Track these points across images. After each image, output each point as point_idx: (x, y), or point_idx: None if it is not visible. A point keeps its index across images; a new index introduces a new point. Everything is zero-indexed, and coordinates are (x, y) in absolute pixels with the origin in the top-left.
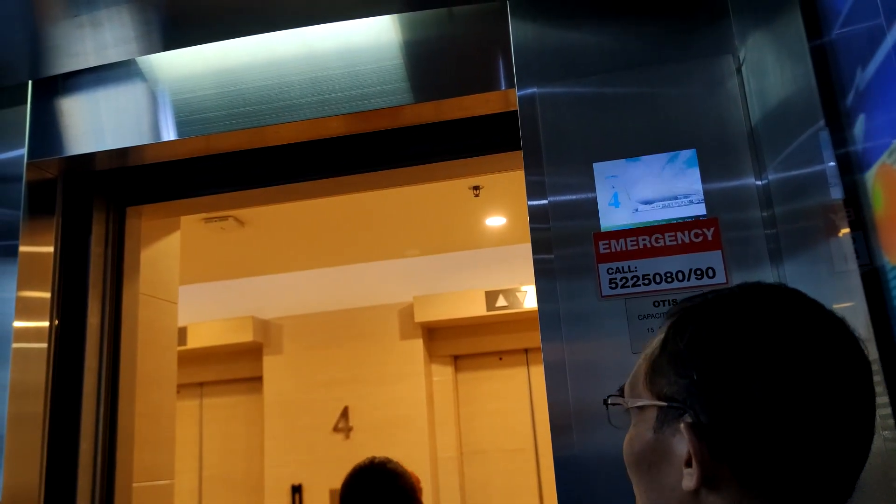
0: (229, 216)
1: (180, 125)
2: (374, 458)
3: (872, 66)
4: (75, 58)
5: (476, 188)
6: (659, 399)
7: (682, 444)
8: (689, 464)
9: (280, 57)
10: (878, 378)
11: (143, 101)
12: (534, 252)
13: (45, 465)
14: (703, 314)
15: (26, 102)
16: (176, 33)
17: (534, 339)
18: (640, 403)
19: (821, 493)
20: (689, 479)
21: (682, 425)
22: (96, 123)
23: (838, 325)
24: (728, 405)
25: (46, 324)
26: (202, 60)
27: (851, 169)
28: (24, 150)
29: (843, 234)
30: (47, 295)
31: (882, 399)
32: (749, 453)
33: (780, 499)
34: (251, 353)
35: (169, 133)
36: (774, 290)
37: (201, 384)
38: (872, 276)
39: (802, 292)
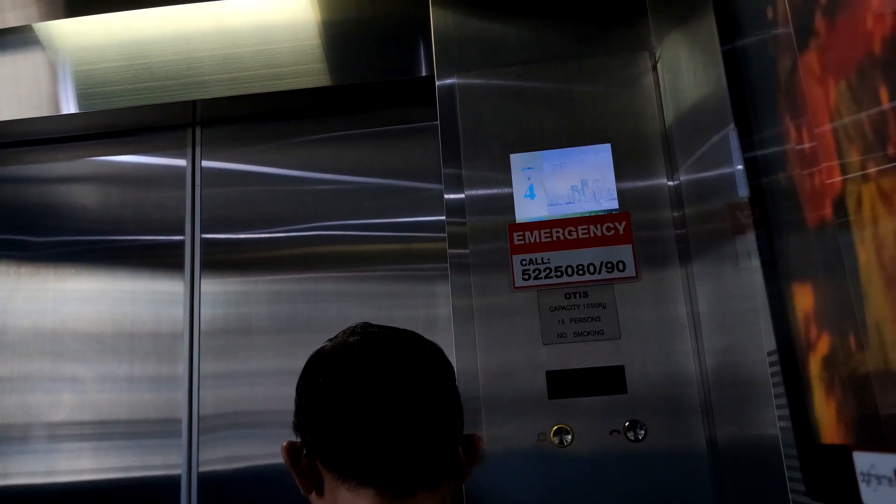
0: None
1: (81, 98)
2: None
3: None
4: None
5: None
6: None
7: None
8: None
9: (190, 31)
10: (774, 368)
11: (42, 71)
12: (449, 247)
13: None
14: None
15: None
16: None
17: None
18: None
19: (372, 466)
20: None
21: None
22: None
23: (375, 353)
24: (302, 414)
25: None
26: (106, 30)
27: (759, 171)
28: None
29: (748, 233)
30: None
31: (779, 389)
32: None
33: (344, 471)
34: None
35: (69, 106)
36: (349, 345)
37: None
38: (773, 271)
39: (382, 333)
